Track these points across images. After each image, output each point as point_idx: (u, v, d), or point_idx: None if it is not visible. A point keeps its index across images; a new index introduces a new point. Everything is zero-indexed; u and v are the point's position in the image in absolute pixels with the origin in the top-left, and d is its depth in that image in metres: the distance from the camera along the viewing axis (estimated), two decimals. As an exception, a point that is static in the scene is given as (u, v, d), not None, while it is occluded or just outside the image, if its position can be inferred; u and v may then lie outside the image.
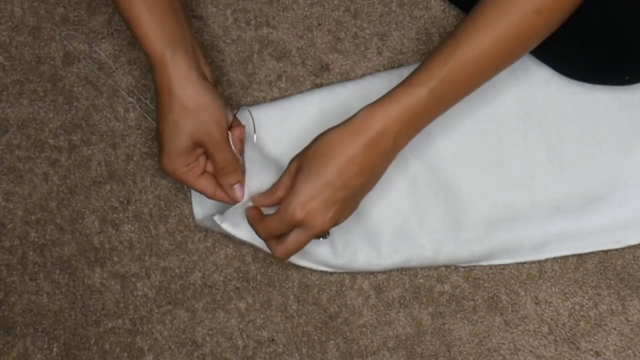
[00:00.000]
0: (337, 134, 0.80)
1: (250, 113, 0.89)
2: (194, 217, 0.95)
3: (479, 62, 0.79)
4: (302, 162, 0.81)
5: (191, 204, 0.96)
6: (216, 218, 0.88)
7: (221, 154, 0.85)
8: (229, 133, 0.85)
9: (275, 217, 0.82)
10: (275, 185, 0.84)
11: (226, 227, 0.88)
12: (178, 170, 0.84)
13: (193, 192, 0.94)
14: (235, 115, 0.87)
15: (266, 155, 0.91)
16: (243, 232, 0.89)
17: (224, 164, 0.85)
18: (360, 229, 0.92)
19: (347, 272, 0.95)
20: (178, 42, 0.82)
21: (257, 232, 0.85)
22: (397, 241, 0.93)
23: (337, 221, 0.82)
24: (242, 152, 0.88)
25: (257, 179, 0.87)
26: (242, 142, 0.87)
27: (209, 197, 0.87)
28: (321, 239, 0.85)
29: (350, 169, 0.80)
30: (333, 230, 0.87)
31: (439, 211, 0.93)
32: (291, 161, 0.83)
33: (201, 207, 0.94)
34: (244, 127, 0.88)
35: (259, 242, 0.89)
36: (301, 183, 0.80)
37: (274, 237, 0.84)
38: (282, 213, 0.81)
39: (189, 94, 0.82)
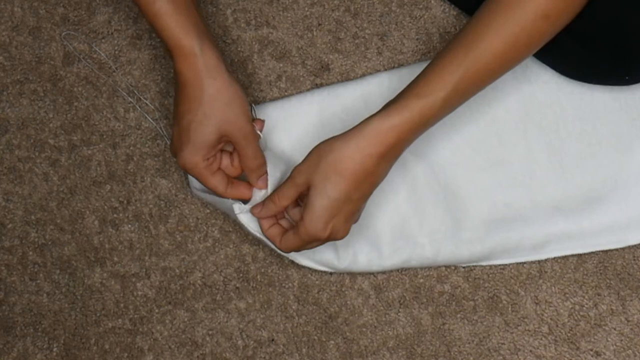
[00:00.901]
0: (349, 150, 0.80)
1: (254, 109, 0.89)
2: (189, 186, 0.94)
3: (489, 68, 0.79)
4: (313, 179, 0.81)
5: (189, 202, 0.96)
6: (235, 207, 0.87)
7: (251, 146, 0.84)
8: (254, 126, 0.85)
9: (296, 237, 0.83)
10: (277, 194, 0.84)
11: (243, 218, 0.87)
12: (199, 164, 0.83)
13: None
14: (254, 108, 0.87)
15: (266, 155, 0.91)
16: (257, 226, 0.88)
17: (254, 156, 0.85)
18: (360, 230, 0.92)
19: (347, 273, 0.95)
20: (205, 33, 0.82)
21: (277, 247, 0.86)
22: (397, 241, 0.93)
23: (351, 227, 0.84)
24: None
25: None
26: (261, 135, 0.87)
27: (218, 194, 0.86)
28: None
29: (367, 182, 0.80)
30: None
31: (438, 211, 0.93)
32: (295, 172, 0.82)
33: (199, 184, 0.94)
34: (263, 120, 0.88)
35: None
36: (319, 204, 0.80)
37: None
38: (304, 233, 0.82)
39: (219, 86, 0.81)
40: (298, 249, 0.84)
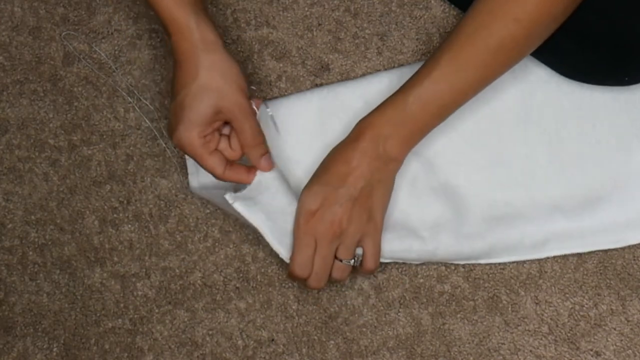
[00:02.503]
0: (335, 149, 0.86)
1: (254, 89, 0.89)
2: (188, 185, 0.94)
3: (462, 72, 0.81)
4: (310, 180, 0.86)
5: (189, 202, 0.96)
6: (227, 197, 0.86)
7: (249, 122, 0.83)
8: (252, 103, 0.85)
9: (295, 246, 0.85)
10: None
11: (238, 207, 0.86)
12: (195, 142, 0.82)
13: (189, 163, 0.93)
14: (253, 89, 0.87)
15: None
16: (256, 216, 0.87)
17: (252, 133, 0.84)
18: None
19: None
20: (201, 9, 0.82)
21: (297, 277, 0.87)
22: (400, 230, 0.92)
23: (347, 228, 0.85)
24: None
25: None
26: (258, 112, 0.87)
27: (216, 176, 0.85)
28: (352, 262, 0.87)
29: (350, 174, 0.83)
30: None
31: (438, 207, 0.93)
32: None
33: (197, 178, 0.93)
34: (261, 99, 0.88)
35: (267, 229, 0.87)
36: (305, 195, 0.85)
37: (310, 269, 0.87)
38: (297, 232, 0.85)
39: (215, 59, 0.81)
40: (310, 263, 0.85)
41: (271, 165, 0.86)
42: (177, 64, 0.82)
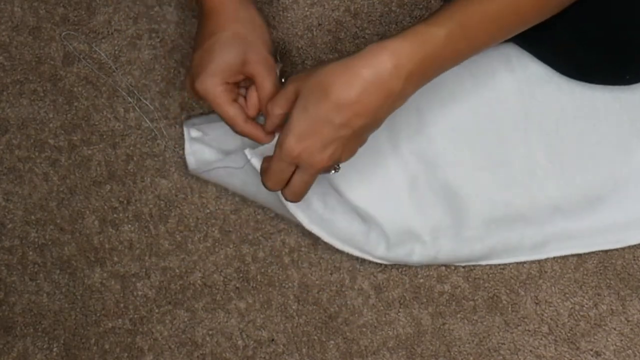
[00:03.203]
0: (340, 67, 0.74)
1: (279, 52, 0.89)
2: (186, 167, 0.94)
3: (499, 13, 0.75)
4: (300, 90, 0.76)
5: (189, 202, 0.96)
6: (247, 152, 0.84)
7: (272, 79, 0.82)
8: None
9: (275, 156, 0.78)
10: (270, 101, 0.81)
11: (256, 163, 0.84)
12: (218, 88, 0.80)
13: (187, 144, 0.93)
14: (279, 51, 0.88)
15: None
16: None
17: (271, 89, 0.82)
18: (369, 218, 0.92)
19: (347, 272, 0.95)
20: None
21: (265, 185, 0.81)
22: (401, 235, 0.92)
23: (338, 159, 0.78)
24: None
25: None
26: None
27: (236, 128, 0.82)
28: (332, 172, 0.81)
29: (350, 109, 0.73)
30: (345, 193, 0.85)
31: (439, 211, 0.93)
32: (289, 82, 0.79)
33: (197, 156, 0.93)
34: (282, 64, 0.87)
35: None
36: (297, 117, 0.75)
37: (282, 185, 0.81)
38: (279, 148, 0.77)
39: (247, 14, 0.82)
40: (281, 177, 0.79)
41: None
42: (206, 15, 0.82)
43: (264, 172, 0.81)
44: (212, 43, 0.81)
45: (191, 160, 0.93)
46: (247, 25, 0.82)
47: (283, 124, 0.79)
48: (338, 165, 0.81)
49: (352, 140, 0.77)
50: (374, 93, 0.73)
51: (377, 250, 0.92)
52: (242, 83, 0.84)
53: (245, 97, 0.84)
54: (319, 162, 0.77)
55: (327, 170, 0.80)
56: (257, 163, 0.84)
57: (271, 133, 0.84)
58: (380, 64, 0.73)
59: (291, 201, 0.82)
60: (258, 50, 0.82)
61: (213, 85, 0.81)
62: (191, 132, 0.94)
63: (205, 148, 0.93)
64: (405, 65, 0.73)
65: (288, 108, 0.79)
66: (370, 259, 0.93)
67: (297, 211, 0.89)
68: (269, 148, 0.83)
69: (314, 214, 0.90)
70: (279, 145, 0.77)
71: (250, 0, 0.83)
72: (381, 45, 0.73)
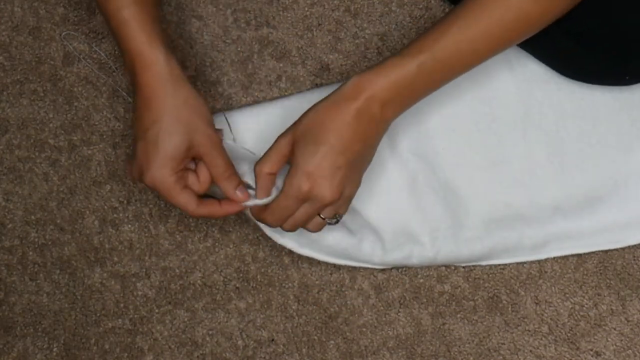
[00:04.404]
0: (328, 103, 0.80)
1: (226, 118, 0.90)
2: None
3: (472, 42, 0.79)
4: (296, 136, 0.80)
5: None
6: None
7: (221, 156, 0.82)
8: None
9: (281, 197, 0.80)
10: (260, 162, 0.82)
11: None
12: (169, 179, 0.80)
13: None
14: (227, 118, 0.88)
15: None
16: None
17: (224, 166, 0.82)
18: (364, 223, 0.92)
19: (347, 272, 0.95)
20: (167, 43, 0.81)
21: (266, 223, 0.83)
22: (399, 238, 0.93)
23: (343, 191, 0.80)
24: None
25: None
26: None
27: (189, 212, 0.82)
28: (334, 222, 0.84)
29: (347, 133, 0.78)
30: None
31: (438, 211, 0.93)
32: (278, 139, 0.81)
33: None
34: (222, 129, 0.87)
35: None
36: (302, 154, 0.79)
37: (285, 221, 0.83)
38: (288, 189, 0.79)
39: (186, 94, 0.80)
40: (287, 214, 0.81)
41: (247, 196, 0.83)
42: (144, 101, 0.80)
43: (265, 213, 0.83)
44: (154, 133, 0.79)
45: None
46: (186, 107, 0.80)
47: (272, 185, 0.82)
48: (340, 216, 0.84)
49: (352, 170, 0.81)
50: (360, 119, 0.79)
51: (374, 258, 0.93)
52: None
53: (195, 171, 0.83)
54: (329, 194, 0.80)
55: (330, 214, 0.83)
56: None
57: (225, 203, 0.83)
58: (359, 95, 0.79)
59: (288, 231, 0.84)
60: (201, 130, 0.81)
61: (163, 177, 0.80)
62: None
63: None
64: (380, 95, 0.79)
65: (281, 164, 0.81)
66: (370, 266, 0.94)
67: (287, 242, 0.92)
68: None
69: (302, 238, 0.91)
70: (288, 185, 0.80)
71: (182, 78, 0.81)
72: (359, 78, 0.79)
